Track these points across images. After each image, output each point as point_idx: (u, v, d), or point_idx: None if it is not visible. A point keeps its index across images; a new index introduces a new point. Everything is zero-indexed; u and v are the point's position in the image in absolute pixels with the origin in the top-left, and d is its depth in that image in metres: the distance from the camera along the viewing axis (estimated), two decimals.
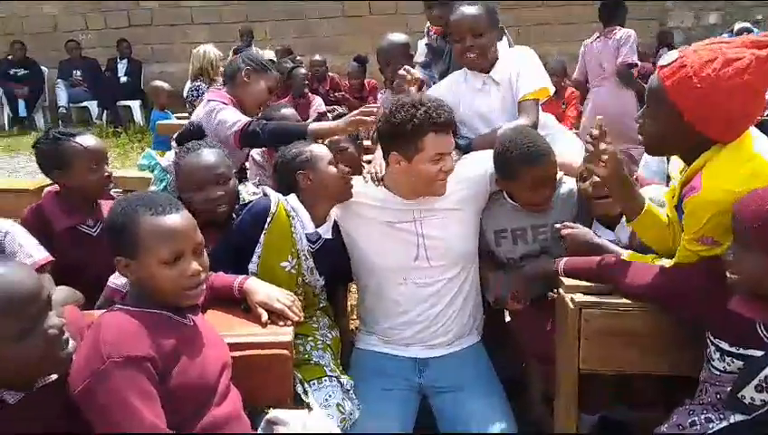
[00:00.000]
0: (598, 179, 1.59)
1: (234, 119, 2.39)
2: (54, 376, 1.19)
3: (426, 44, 2.85)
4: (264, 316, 1.62)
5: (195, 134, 2.06)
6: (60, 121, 8.30)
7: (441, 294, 1.97)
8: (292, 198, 1.95)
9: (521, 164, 1.85)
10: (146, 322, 1.26)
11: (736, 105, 1.36)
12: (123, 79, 8.73)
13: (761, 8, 9.05)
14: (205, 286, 1.37)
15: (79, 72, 8.72)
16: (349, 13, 9.06)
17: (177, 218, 1.31)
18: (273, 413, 1.44)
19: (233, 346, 1.50)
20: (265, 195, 1.95)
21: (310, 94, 5.67)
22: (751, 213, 1.25)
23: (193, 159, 1.94)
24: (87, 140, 1.98)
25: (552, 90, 2.34)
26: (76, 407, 1.17)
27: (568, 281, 1.67)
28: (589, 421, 1.89)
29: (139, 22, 9.19)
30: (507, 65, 2.29)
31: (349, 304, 2.65)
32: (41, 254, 1.77)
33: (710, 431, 1.36)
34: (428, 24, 2.82)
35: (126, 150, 7.19)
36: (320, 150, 1.97)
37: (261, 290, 1.69)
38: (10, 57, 8.64)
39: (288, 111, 2.90)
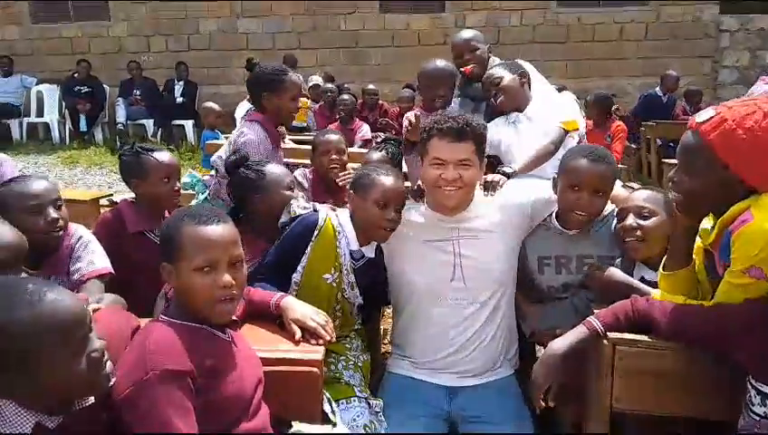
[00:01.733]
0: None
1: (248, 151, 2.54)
2: (92, 399, 1.19)
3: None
4: (298, 334, 1.66)
5: (240, 163, 2.24)
6: (117, 137, 8.71)
7: (474, 318, 1.97)
8: (343, 214, 2.01)
9: (575, 156, 1.92)
10: (188, 336, 1.30)
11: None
12: (179, 99, 9.11)
13: None
14: (236, 303, 1.40)
15: (138, 92, 9.14)
16: (398, 42, 9.25)
17: (217, 229, 1.36)
18: (296, 427, 1.46)
19: (264, 361, 1.53)
20: (315, 210, 2.02)
21: (357, 121, 5.80)
22: None
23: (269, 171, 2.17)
24: (163, 155, 2.21)
25: (582, 128, 2.54)
26: (112, 430, 1.21)
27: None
28: None
29: (198, 46, 9.64)
30: (541, 103, 2.58)
31: (382, 328, 2.67)
32: (103, 263, 1.94)
33: None
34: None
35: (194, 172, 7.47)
36: (376, 185, 1.92)
37: (296, 308, 1.73)
38: (75, 75, 9.15)
39: (334, 137, 2.97)
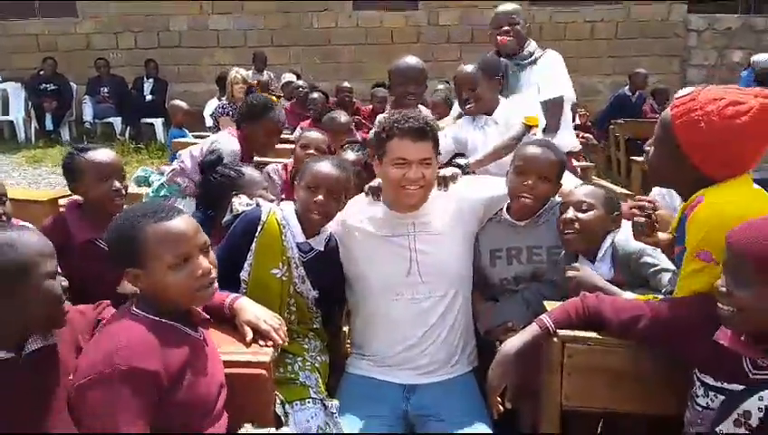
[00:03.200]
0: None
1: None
2: (39, 344, 1.22)
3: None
4: (249, 335, 1.63)
5: (216, 163, 2.27)
6: (84, 136, 8.54)
7: (431, 313, 1.97)
8: (288, 207, 1.99)
9: (525, 145, 2.02)
10: (159, 333, 1.27)
11: (732, 145, 1.37)
12: (149, 97, 8.97)
13: None
14: (216, 285, 1.40)
15: (106, 90, 8.98)
16: (371, 40, 9.23)
17: (180, 222, 1.34)
18: (243, 430, 1.43)
19: None
20: (258, 205, 2.00)
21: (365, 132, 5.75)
22: (746, 245, 1.19)
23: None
24: (97, 154, 2.08)
25: (541, 124, 2.61)
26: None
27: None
28: None
29: (168, 43, 9.49)
30: (508, 106, 2.67)
31: (346, 329, 2.65)
32: None
33: None
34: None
35: (146, 166, 7.35)
36: (307, 169, 1.99)
37: (250, 310, 1.70)
38: (41, 72, 8.94)
39: (317, 135, 2.99)
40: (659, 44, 9.15)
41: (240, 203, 2.00)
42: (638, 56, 8.84)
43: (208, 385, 1.33)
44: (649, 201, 1.71)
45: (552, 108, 2.84)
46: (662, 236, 1.66)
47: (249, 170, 2.24)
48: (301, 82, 6.90)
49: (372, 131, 2.30)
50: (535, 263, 1.98)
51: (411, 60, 2.88)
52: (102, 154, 2.09)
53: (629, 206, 1.78)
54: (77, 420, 1.18)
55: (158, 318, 1.32)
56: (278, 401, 1.76)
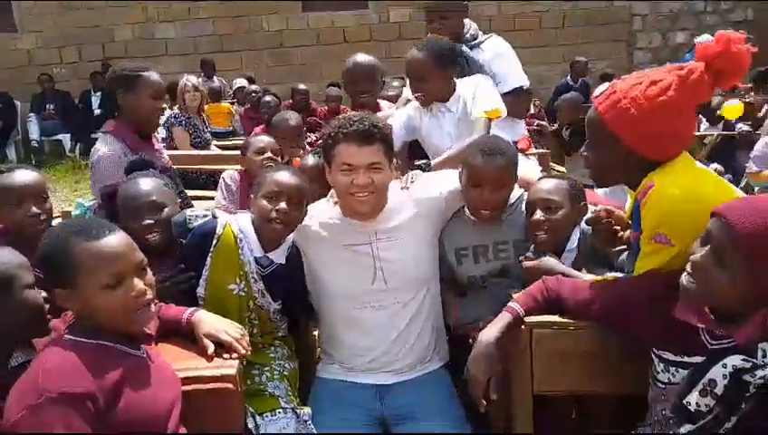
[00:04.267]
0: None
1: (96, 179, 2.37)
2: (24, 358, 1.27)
3: None
4: (210, 349, 1.58)
5: (139, 166, 2.06)
6: (32, 155, 8.24)
7: (400, 317, 1.94)
8: (244, 219, 1.92)
9: (475, 154, 1.88)
10: (89, 355, 1.22)
11: (665, 122, 1.41)
12: (97, 111, 8.70)
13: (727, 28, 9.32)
14: (154, 307, 1.34)
15: (52, 106, 8.69)
16: (323, 41, 9.18)
17: (113, 240, 1.28)
18: None
19: None
20: (215, 217, 1.92)
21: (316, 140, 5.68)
22: (747, 226, 1.13)
23: (128, 189, 1.93)
24: (6, 178, 1.90)
25: (504, 111, 2.45)
26: None
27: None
28: None
29: (114, 54, 9.21)
30: (464, 92, 2.47)
31: (317, 333, 2.61)
32: None
33: None
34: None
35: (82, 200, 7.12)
36: (266, 178, 1.89)
37: (209, 322, 1.64)
38: None
39: (270, 139, 2.89)
40: (605, 31, 9.40)
41: (194, 215, 1.91)
42: (585, 43, 9.07)
43: (154, 402, 1.28)
44: (606, 211, 1.71)
45: (518, 97, 2.78)
46: (626, 234, 1.68)
47: (126, 190, 1.94)
48: (254, 87, 6.81)
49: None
50: (502, 259, 1.96)
51: (361, 57, 2.80)
52: (12, 177, 1.89)
53: (586, 221, 1.79)
54: None
55: (87, 340, 1.26)
56: (248, 413, 1.72)
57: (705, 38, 7.29)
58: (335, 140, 1.83)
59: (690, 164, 1.50)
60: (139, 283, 1.29)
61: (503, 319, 1.57)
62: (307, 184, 1.93)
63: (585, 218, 1.79)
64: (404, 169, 2.17)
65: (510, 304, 1.59)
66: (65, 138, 8.61)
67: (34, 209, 1.88)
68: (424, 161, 2.29)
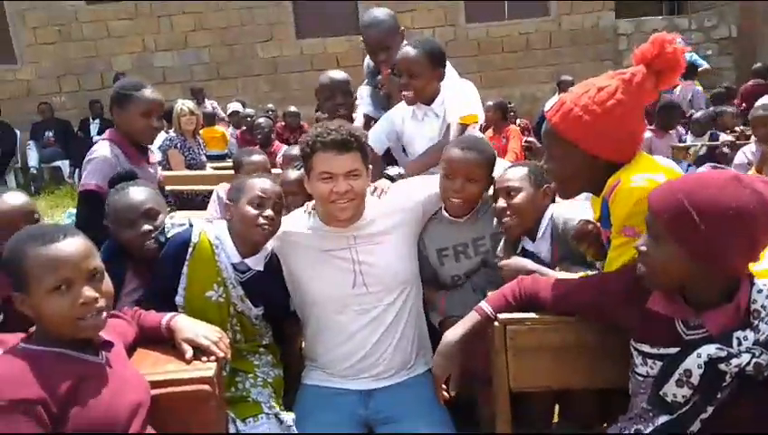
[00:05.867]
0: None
1: (89, 172, 2.41)
2: None
3: (373, 83, 2.93)
4: (189, 353, 1.58)
5: (125, 177, 2.09)
6: (31, 182, 8.30)
7: (381, 321, 1.95)
8: (221, 226, 1.94)
9: (452, 147, 1.96)
10: (41, 361, 1.22)
11: (619, 124, 1.47)
12: (96, 138, 8.76)
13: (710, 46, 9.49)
14: (105, 316, 1.32)
15: (51, 133, 8.77)
16: (317, 66, 9.32)
17: (66, 245, 1.27)
18: None
19: (153, 384, 1.45)
20: (191, 225, 1.94)
21: (276, 143, 5.77)
22: (660, 203, 1.25)
23: (122, 196, 1.94)
24: (7, 199, 1.82)
25: (481, 117, 2.47)
26: None
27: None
28: None
29: (112, 83, 9.34)
30: (446, 95, 2.46)
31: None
32: None
33: None
34: (367, 64, 2.92)
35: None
36: (249, 186, 1.93)
37: (188, 327, 1.65)
38: None
39: (257, 158, 2.95)
40: (591, 50, 9.56)
41: (173, 224, 1.94)
42: (572, 63, 9.21)
43: (112, 408, 1.27)
44: (586, 221, 1.74)
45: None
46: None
47: (117, 200, 1.95)
48: (249, 111, 6.93)
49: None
50: (482, 254, 2.00)
51: (333, 73, 2.81)
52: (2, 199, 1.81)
53: (571, 239, 1.79)
54: None
55: (41, 347, 1.27)
56: (230, 419, 1.72)
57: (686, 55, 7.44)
58: (313, 148, 1.86)
59: (652, 160, 1.55)
60: (88, 290, 1.27)
61: (470, 319, 1.60)
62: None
63: (572, 235, 1.80)
64: (375, 177, 2.17)
65: (480, 303, 1.61)
66: (64, 164, 8.68)
67: None
68: (396, 172, 2.28)
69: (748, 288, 1.24)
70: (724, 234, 1.18)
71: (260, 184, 1.89)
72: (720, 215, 1.17)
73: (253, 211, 1.85)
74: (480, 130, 2.67)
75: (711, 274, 1.23)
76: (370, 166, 1.97)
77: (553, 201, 1.89)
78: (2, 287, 1.51)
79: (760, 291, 1.23)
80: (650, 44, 1.49)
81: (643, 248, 1.29)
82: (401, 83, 2.40)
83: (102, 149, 2.46)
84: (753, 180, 1.22)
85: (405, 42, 2.59)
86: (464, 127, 2.35)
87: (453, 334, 1.59)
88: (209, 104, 8.08)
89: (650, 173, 1.45)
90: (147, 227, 1.89)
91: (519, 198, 1.82)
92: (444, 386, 1.66)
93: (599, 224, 1.69)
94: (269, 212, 1.85)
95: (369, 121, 2.74)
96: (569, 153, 1.51)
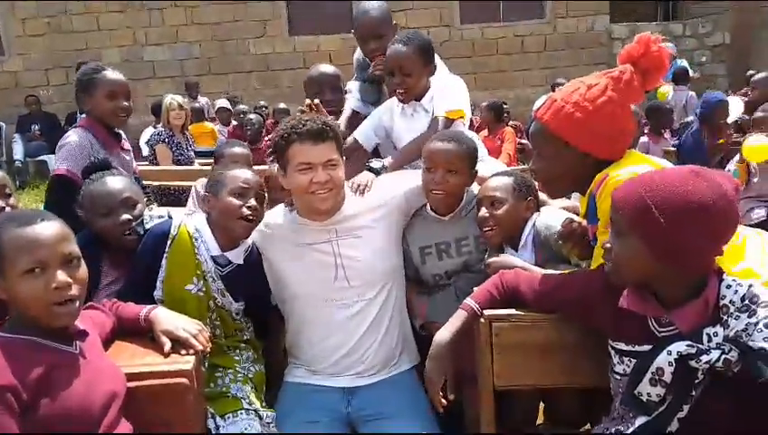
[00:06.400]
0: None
1: (60, 157, 2.39)
2: None
3: (362, 74, 2.85)
4: (167, 346, 1.55)
5: (99, 167, 2.05)
6: (16, 176, 8.19)
7: (363, 316, 1.93)
8: (200, 219, 1.91)
9: (433, 140, 1.95)
10: (12, 349, 1.20)
11: (610, 121, 1.49)
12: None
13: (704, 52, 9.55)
14: (78, 304, 1.30)
15: (37, 127, 8.67)
16: (309, 63, 9.28)
17: (41, 227, 1.26)
18: None
19: (130, 376, 1.43)
20: (170, 217, 1.91)
21: (266, 140, 5.73)
22: (622, 198, 1.25)
23: (100, 185, 1.91)
24: None
25: (467, 114, 2.44)
26: None
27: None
28: None
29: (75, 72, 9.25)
30: (435, 91, 2.42)
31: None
32: None
33: None
34: (357, 58, 2.86)
35: None
36: (231, 177, 1.89)
37: (166, 319, 1.62)
38: None
39: (240, 150, 2.91)
40: (586, 54, 9.61)
41: (151, 215, 1.90)
42: (567, 66, 9.24)
43: (85, 397, 1.26)
44: (570, 220, 1.73)
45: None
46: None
47: (91, 189, 1.94)
48: (242, 107, 6.90)
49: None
50: (464, 255, 1.98)
51: (323, 66, 2.75)
52: None
53: (555, 240, 1.77)
54: None
55: (13, 335, 1.25)
56: (209, 414, 1.69)
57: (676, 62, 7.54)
58: (289, 140, 1.83)
59: (640, 155, 1.56)
60: (62, 275, 1.26)
61: (458, 317, 1.58)
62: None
63: (557, 235, 1.78)
64: (358, 170, 2.14)
65: (465, 300, 1.59)
66: (50, 158, 8.55)
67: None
68: (378, 163, 2.22)
69: (716, 284, 1.23)
70: (685, 228, 1.18)
71: (242, 175, 1.87)
72: (680, 209, 1.17)
73: (236, 202, 1.82)
74: (474, 130, 2.63)
75: (676, 269, 1.23)
76: (344, 157, 1.95)
77: (537, 210, 1.88)
78: None
79: (729, 286, 1.22)
80: (636, 43, 1.51)
81: (607, 245, 1.29)
82: (394, 82, 2.35)
83: (74, 135, 2.43)
84: (713, 174, 1.22)
85: (396, 36, 2.55)
86: (449, 121, 2.31)
87: (442, 337, 1.57)
88: (202, 99, 8.01)
89: (635, 166, 1.45)
90: (126, 216, 1.86)
91: (502, 211, 1.82)
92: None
93: (584, 221, 1.68)
94: (252, 202, 1.83)
95: (357, 116, 2.68)
96: (560, 152, 1.51)
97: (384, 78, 2.52)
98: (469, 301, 1.58)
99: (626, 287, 1.32)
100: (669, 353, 1.19)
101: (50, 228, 1.27)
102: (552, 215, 1.82)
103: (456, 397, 1.90)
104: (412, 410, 1.86)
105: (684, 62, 7.95)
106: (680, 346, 1.19)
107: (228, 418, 1.72)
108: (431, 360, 1.57)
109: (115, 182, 1.92)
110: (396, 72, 2.31)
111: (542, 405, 1.89)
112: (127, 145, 2.70)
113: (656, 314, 1.28)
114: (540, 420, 1.91)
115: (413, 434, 1.78)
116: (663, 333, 1.27)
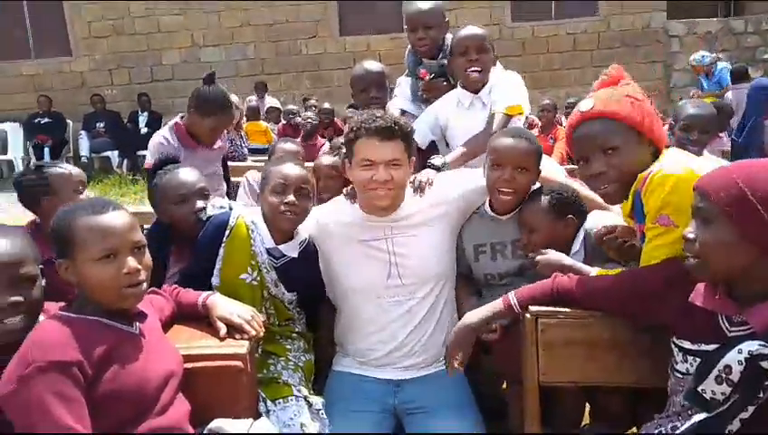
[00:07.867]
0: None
1: (150, 151, 2.68)
2: None
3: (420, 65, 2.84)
4: (223, 330, 1.63)
5: (169, 162, 2.19)
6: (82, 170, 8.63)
7: (414, 314, 1.94)
8: (256, 213, 1.98)
9: (498, 136, 1.95)
10: (79, 328, 1.28)
11: (654, 115, 1.55)
12: (144, 130, 9.08)
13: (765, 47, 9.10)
14: (144, 288, 1.39)
15: (102, 124, 9.11)
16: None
17: (113, 216, 1.34)
18: (215, 423, 1.43)
19: (188, 358, 1.51)
20: (230, 208, 1.99)
21: (319, 139, 5.85)
22: (713, 184, 1.21)
23: (174, 176, 2.04)
24: (69, 167, 2.13)
25: (526, 109, 2.42)
26: None
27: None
28: None
29: (161, 77, 9.66)
30: (493, 85, 2.45)
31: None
32: None
33: None
34: (408, 54, 2.87)
35: (142, 196, 7.43)
36: (272, 173, 1.94)
37: (222, 305, 1.70)
38: (38, 110, 9.09)
39: (287, 146, 3.04)
40: (641, 52, 9.30)
41: (213, 206, 1.99)
42: (621, 65, 8.93)
43: (143, 375, 1.33)
44: (605, 229, 1.74)
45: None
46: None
47: (58, 171, 2.14)
48: (291, 107, 7.07)
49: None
50: (520, 258, 1.93)
51: (369, 64, 2.75)
52: (72, 168, 2.15)
53: (596, 241, 1.79)
54: (14, 423, 1.18)
55: (79, 315, 1.33)
56: (261, 398, 1.76)
57: (697, 55, 7.31)
58: (357, 135, 1.86)
59: (679, 151, 1.56)
60: (132, 261, 1.34)
61: (492, 306, 1.62)
62: (310, 174, 1.99)
63: (595, 237, 1.79)
64: (418, 167, 2.14)
65: (508, 293, 1.60)
66: (113, 154, 9.01)
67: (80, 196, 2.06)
68: (439, 160, 2.23)
69: None
70: None
71: (282, 170, 1.91)
72: None
73: (275, 199, 1.88)
74: (527, 127, 2.64)
75: (765, 262, 1.18)
76: (413, 157, 1.95)
77: (583, 219, 1.87)
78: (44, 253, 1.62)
79: None
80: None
81: (691, 235, 1.23)
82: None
83: (164, 132, 2.73)
84: None
85: (450, 35, 2.60)
86: (508, 118, 2.31)
87: (471, 319, 1.63)
88: (270, 99, 8.26)
89: (684, 162, 1.44)
90: (201, 203, 1.98)
91: (539, 237, 1.84)
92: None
93: (623, 225, 1.68)
94: (290, 198, 1.86)
95: (404, 116, 2.68)
96: (634, 137, 1.50)
97: (432, 101, 2.58)
98: (511, 295, 1.59)
99: (704, 282, 1.28)
100: (740, 352, 1.16)
101: (120, 217, 1.36)
102: (600, 218, 1.80)
103: (491, 392, 1.92)
104: (457, 407, 1.87)
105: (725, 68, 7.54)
106: (752, 345, 1.15)
107: (279, 403, 1.77)
108: (454, 334, 1.66)
109: (189, 174, 2.06)
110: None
111: (587, 408, 1.88)
112: (219, 142, 2.92)
113: (729, 312, 1.24)
114: (585, 422, 1.90)
115: (458, 434, 1.79)
116: (734, 333, 1.24)
